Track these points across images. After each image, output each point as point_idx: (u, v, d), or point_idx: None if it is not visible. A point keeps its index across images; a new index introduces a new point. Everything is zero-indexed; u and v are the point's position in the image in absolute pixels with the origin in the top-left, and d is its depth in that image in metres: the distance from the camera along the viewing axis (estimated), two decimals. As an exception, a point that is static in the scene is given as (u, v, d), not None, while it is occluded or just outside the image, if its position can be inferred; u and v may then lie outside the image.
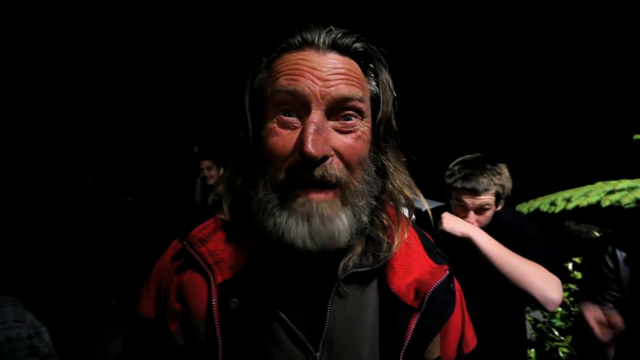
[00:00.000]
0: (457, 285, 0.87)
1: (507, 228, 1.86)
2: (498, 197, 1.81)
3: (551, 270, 1.65)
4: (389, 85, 0.78)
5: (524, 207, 3.61)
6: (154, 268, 0.88)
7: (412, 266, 0.81)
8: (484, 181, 1.75)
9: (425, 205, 0.86)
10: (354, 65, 0.74)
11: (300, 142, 0.65)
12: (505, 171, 1.84)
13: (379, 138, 0.78)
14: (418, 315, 0.76)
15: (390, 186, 0.80)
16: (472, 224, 1.80)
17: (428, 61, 6.18)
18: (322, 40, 0.72)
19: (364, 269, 0.78)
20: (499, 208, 1.89)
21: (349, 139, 0.70)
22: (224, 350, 0.71)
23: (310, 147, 0.64)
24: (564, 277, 1.82)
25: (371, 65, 0.77)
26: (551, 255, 1.73)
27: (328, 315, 0.75)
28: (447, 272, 0.82)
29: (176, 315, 0.77)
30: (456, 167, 1.87)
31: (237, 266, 0.76)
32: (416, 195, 0.85)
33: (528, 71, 5.58)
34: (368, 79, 0.77)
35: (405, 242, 0.83)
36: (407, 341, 0.74)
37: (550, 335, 2.83)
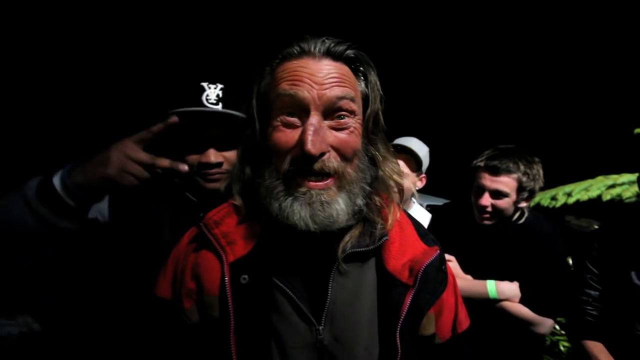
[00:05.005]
0: (449, 269, 0.95)
1: (537, 242, 1.80)
2: (520, 186, 1.71)
3: (554, 308, 1.77)
4: (376, 85, 0.86)
5: (525, 202, 3.60)
6: (171, 253, 0.94)
7: (406, 249, 0.89)
8: (507, 162, 1.68)
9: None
10: (346, 70, 0.82)
11: (302, 141, 0.74)
12: (537, 165, 1.73)
13: (369, 131, 0.86)
14: (413, 292, 0.83)
15: (381, 173, 0.88)
16: (486, 206, 1.74)
17: (434, 62, 6.18)
18: (317, 49, 0.80)
19: (362, 249, 0.85)
20: (522, 204, 1.79)
21: (344, 135, 0.79)
22: (236, 322, 0.77)
23: (310, 147, 0.73)
24: (560, 309, 1.85)
25: (361, 68, 0.85)
26: (563, 295, 1.78)
27: (329, 292, 0.82)
28: (438, 252, 0.90)
29: (191, 293, 0.84)
30: (487, 151, 1.80)
31: (247, 246, 0.83)
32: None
33: (529, 67, 5.56)
34: (359, 81, 0.85)
35: (400, 226, 0.91)
36: (403, 316, 0.82)
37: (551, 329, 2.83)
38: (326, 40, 0.81)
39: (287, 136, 0.77)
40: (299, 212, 0.75)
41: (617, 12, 4.77)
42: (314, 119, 0.76)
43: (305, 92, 0.76)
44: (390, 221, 0.87)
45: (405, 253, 0.88)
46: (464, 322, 0.97)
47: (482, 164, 1.75)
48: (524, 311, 1.76)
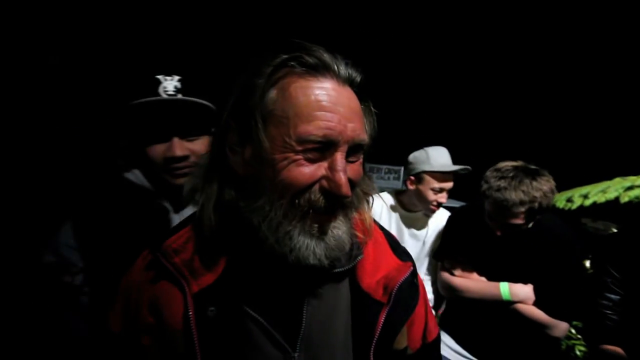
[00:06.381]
0: (419, 280, 0.94)
1: (553, 244, 1.78)
2: (531, 212, 1.70)
3: (570, 311, 1.76)
4: (372, 113, 0.82)
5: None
6: (122, 281, 0.86)
7: (380, 264, 0.86)
8: (514, 198, 1.65)
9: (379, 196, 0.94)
10: (357, 99, 0.76)
11: (335, 183, 0.69)
12: (546, 185, 1.69)
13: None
14: (387, 310, 0.81)
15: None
16: (499, 234, 1.77)
17: (451, 62, 6.15)
18: (341, 72, 0.73)
19: (337, 270, 0.81)
20: (535, 220, 1.79)
21: (356, 166, 0.76)
22: (202, 359, 0.72)
23: (346, 190, 0.69)
24: (575, 312, 1.83)
25: (357, 90, 0.79)
26: (577, 296, 1.76)
27: (304, 316, 0.78)
28: (411, 268, 0.88)
29: (149, 329, 0.77)
30: (492, 176, 1.76)
31: (212, 275, 0.77)
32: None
33: (546, 66, 5.49)
34: None
35: (373, 241, 0.88)
36: (377, 334, 0.79)
37: (567, 333, 2.79)
38: (347, 64, 0.75)
39: (310, 172, 0.70)
40: (312, 250, 0.71)
41: (633, 11, 4.67)
42: (342, 157, 0.70)
43: (339, 136, 0.69)
44: (365, 239, 0.85)
45: (379, 269, 0.85)
46: (434, 330, 0.96)
47: (489, 195, 1.72)
48: (538, 314, 1.75)
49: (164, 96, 1.17)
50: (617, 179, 3.28)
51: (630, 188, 3.14)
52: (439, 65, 6.31)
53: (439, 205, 2.19)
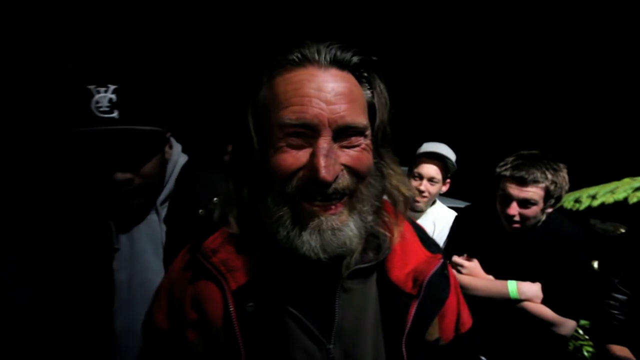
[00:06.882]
0: (450, 271, 0.93)
1: (560, 243, 1.78)
2: (548, 194, 1.70)
3: (577, 309, 1.76)
4: (383, 93, 0.80)
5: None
6: (163, 280, 0.91)
7: (409, 257, 0.86)
8: (534, 172, 1.67)
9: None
10: (353, 82, 0.76)
11: (314, 168, 0.69)
12: (563, 171, 1.72)
13: (378, 145, 0.81)
14: (417, 302, 0.81)
15: (389, 186, 0.84)
16: (514, 215, 1.74)
17: (452, 63, 6.14)
18: (323, 56, 0.74)
19: (366, 265, 0.82)
20: (549, 210, 1.80)
21: (356, 153, 0.74)
22: (246, 352, 0.75)
23: (324, 174, 0.68)
24: (582, 310, 1.82)
25: (365, 74, 0.79)
26: (584, 298, 1.77)
27: (337, 310, 0.80)
28: (441, 260, 0.87)
29: (193, 324, 0.80)
30: (510, 158, 1.81)
31: (249, 273, 0.80)
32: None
33: (552, 67, 5.46)
34: (364, 89, 0.79)
35: (401, 235, 0.87)
36: (409, 326, 0.80)
37: (574, 334, 2.79)
38: (332, 46, 0.75)
39: (293, 158, 0.72)
40: (308, 242, 0.72)
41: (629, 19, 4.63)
42: (325, 141, 0.70)
43: (315, 119, 0.69)
44: (395, 235, 0.85)
45: (408, 262, 0.85)
46: (467, 322, 0.96)
47: (507, 173, 1.74)
48: (545, 312, 1.76)
49: (97, 113, 1.00)
50: (626, 180, 3.26)
51: (639, 189, 3.12)
52: (446, 67, 6.31)
53: (419, 193, 2.22)
